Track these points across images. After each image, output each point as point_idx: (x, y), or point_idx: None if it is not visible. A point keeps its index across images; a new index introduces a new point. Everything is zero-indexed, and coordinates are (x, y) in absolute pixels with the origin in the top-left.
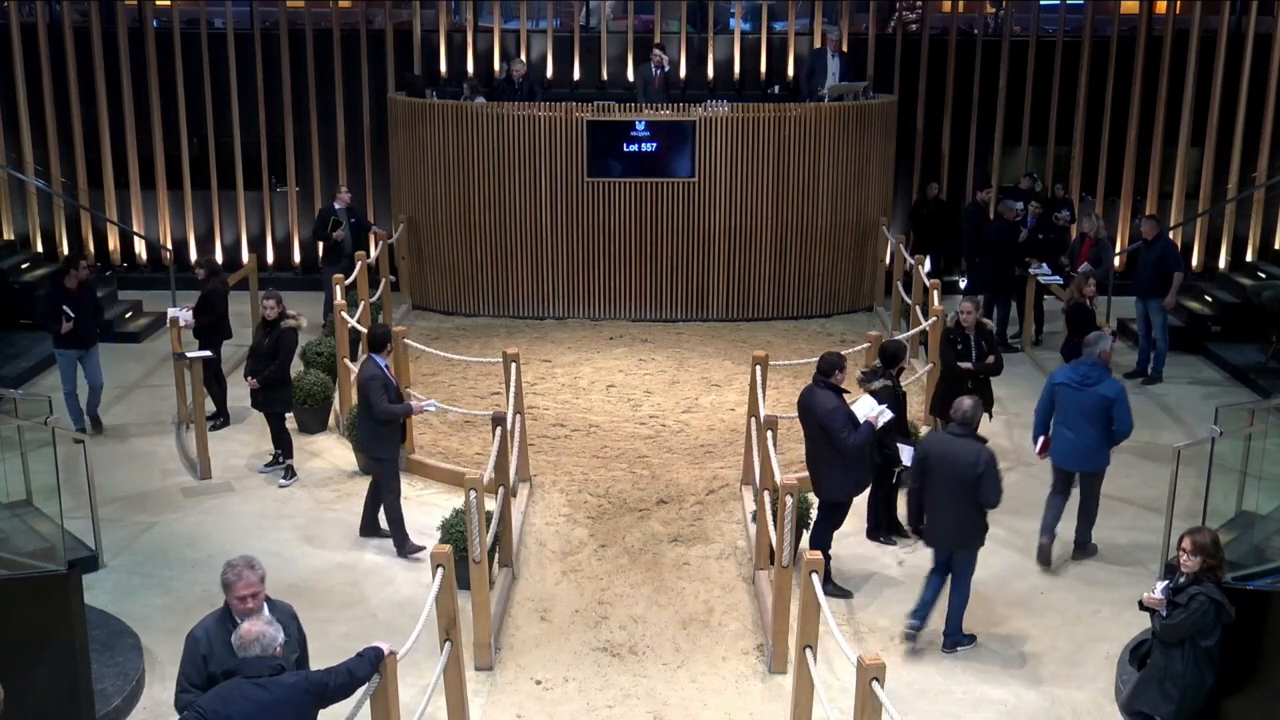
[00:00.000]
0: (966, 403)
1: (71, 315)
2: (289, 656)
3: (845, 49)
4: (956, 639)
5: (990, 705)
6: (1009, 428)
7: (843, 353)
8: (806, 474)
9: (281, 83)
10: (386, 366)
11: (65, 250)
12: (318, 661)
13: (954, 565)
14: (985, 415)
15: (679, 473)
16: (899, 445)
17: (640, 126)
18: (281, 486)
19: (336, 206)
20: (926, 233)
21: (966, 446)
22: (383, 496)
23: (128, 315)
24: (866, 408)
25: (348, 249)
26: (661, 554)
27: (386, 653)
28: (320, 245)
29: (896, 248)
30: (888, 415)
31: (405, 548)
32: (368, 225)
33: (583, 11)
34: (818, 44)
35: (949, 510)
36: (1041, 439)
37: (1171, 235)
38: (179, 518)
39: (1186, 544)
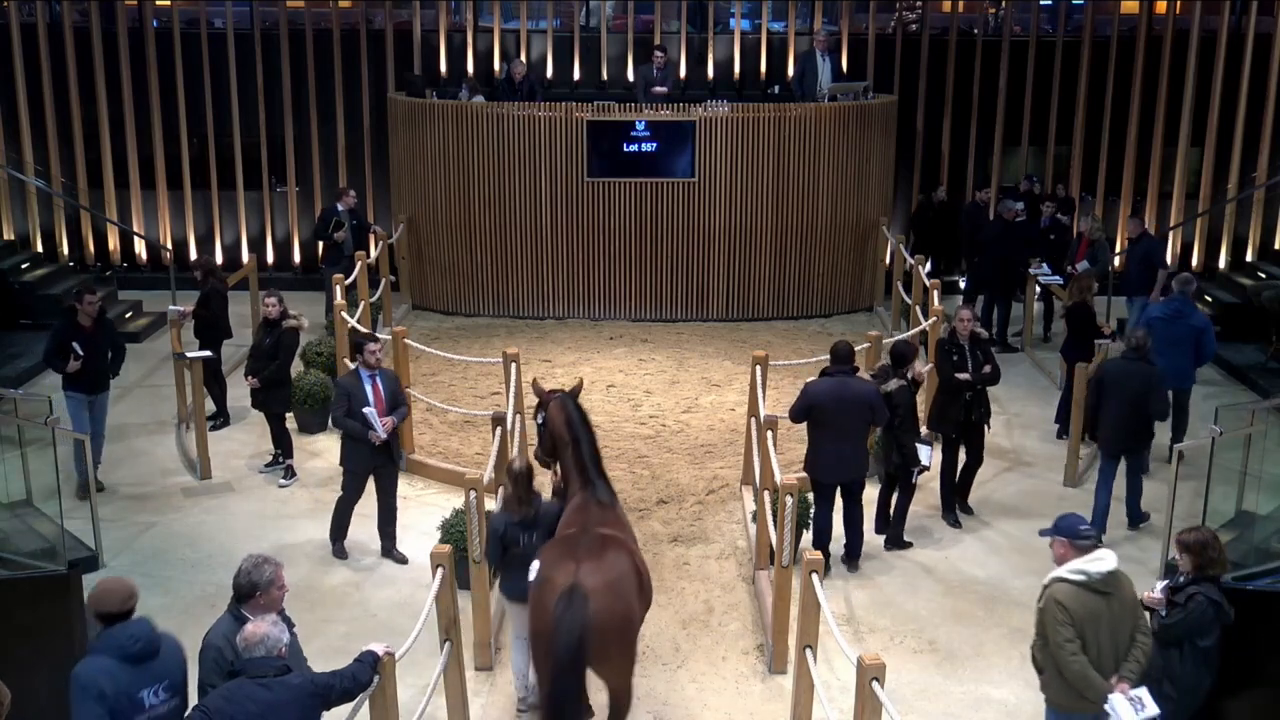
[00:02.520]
0: (1139, 332)
1: (80, 353)
2: (300, 649)
3: (843, 49)
4: (1139, 518)
5: (990, 705)
6: (1009, 428)
7: None
8: (805, 474)
9: (281, 83)
10: (372, 378)
11: (65, 250)
12: (318, 663)
13: (1129, 462)
14: (985, 426)
15: (679, 473)
16: (918, 445)
17: (640, 126)
18: (281, 486)
19: (340, 208)
20: (929, 236)
21: (1141, 369)
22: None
23: (128, 315)
24: None
25: (348, 249)
26: (661, 554)
27: (381, 653)
28: (320, 244)
29: (896, 248)
30: None
31: (335, 546)
32: (368, 226)
33: (583, 11)
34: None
35: (1125, 422)
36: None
37: (1171, 235)
38: (179, 518)
39: (1176, 543)
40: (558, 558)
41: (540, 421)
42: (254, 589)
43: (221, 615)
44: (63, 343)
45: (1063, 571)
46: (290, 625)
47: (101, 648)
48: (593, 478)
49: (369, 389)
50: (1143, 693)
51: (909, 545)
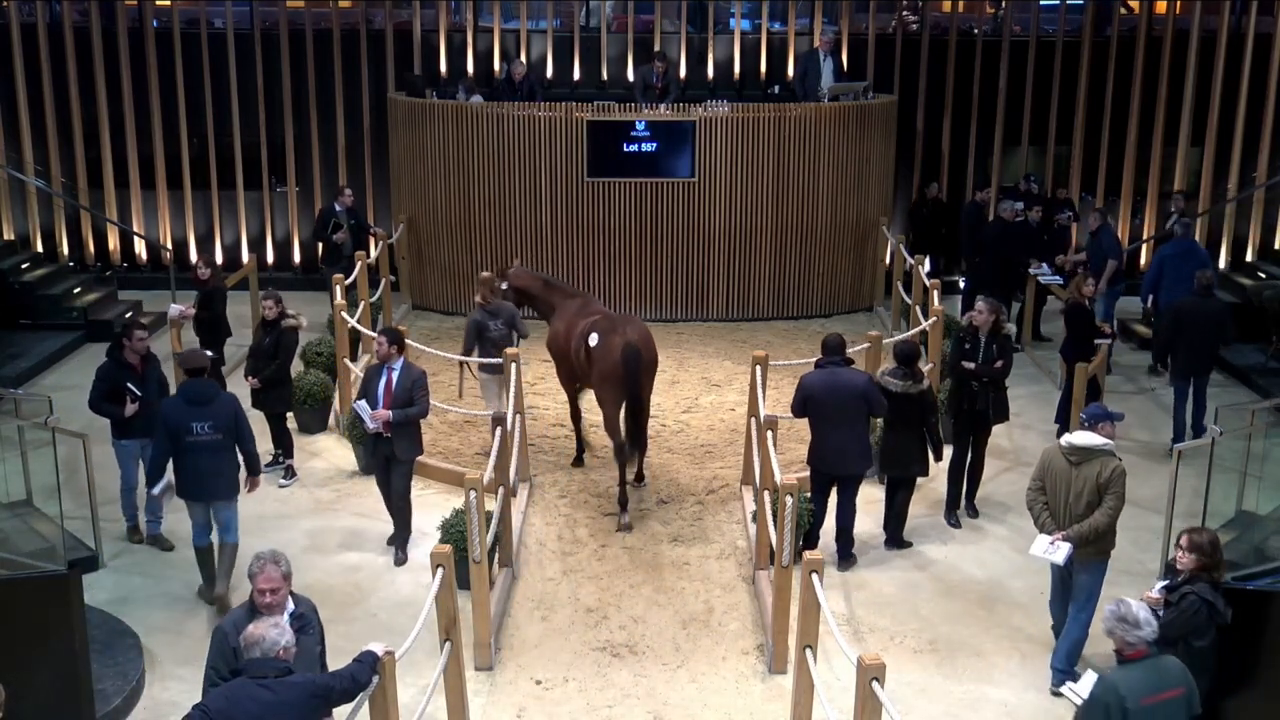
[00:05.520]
0: (1209, 273)
1: (138, 394)
2: (312, 651)
3: (843, 49)
4: (1202, 430)
5: (990, 705)
6: (1009, 428)
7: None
8: (808, 474)
9: (281, 83)
10: (388, 371)
11: (65, 250)
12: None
13: (1196, 385)
14: (989, 422)
15: (679, 473)
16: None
17: (640, 126)
18: (281, 486)
19: (338, 208)
20: (925, 233)
21: (1215, 304)
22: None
23: (128, 315)
24: None
25: (347, 250)
26: (661, 554)
27: (381, 653)
28: (320, 245)
29: (896, 248)
30: None
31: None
32: (367, 227)
33: (583, 11)
34: (817, 44)
35: (1197, 352)
36: (1150, 298)
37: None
38: (179, 518)
39: (1184, 541)
40: (608, 330)
41: (505, 286)
42: (250, 579)
43: (242, 603)
44: (115, 386)
45: (1061, 438)
46: (306, 624)
47: (179, 391)
48: (575, 291)
49: (381, 381)
50: (1064, 545)
51: (909, 545)
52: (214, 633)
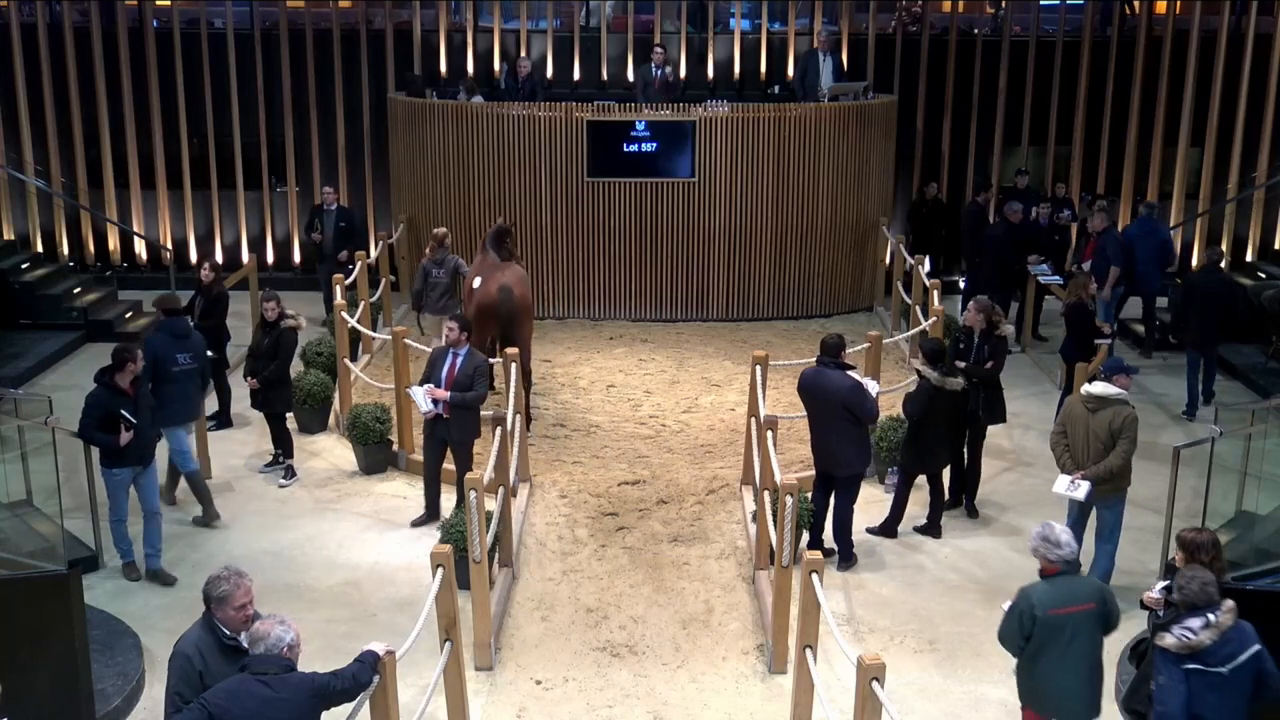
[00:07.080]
0: (1219, 249)
1: (133, 422)
2: None
3: (843, 49)
4: (1211, 396)
5: (990, 705)
6: (1009, 428)
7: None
8: (808, 474)
9: (281, 83)
10: (453, 355)
11: (65, 250)
12: (317, 663)
13: (1205, 356)
14: (982, 421)
15: (679, 473)
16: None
17: (640, 126)
18: (281, 486)
19: (327, 207)
20: (925, 233)
21: (1225, 279)
22: None
23: (128, 315)
24: (870, 385)
25: (327, 250)
26: (661, 554)
27: (382, 653)
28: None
29: (896, 248)
30: (876, 386)
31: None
32: (358, 231)
33: (583, 11)
34: (816, 44)
35: (1209, 326)
36: (1116, 272)
37: (1171, 235)
38: (179, 518)
39: (1176, 539)
40: (489, 275)
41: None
42: (208, 600)
43: (196, 621)
44: (108, 413)
45: (1081, 388)
46: None
47: (162, 328)
48: (487, 251)
49: (445, 365)
50: (1085, 484)
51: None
52: (173, 657)
